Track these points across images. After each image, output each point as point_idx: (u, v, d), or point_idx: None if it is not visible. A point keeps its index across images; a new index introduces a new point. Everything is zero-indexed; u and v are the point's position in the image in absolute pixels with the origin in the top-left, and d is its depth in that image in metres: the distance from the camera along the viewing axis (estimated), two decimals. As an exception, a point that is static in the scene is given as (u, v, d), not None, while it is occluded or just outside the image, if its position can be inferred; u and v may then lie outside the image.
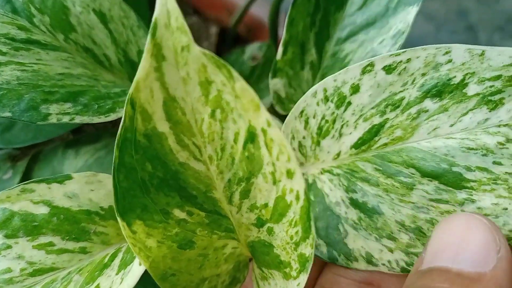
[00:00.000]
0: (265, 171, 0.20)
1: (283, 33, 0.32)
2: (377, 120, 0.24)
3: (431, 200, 0.23)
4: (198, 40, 0.51)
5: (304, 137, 0.26)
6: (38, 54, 0.28)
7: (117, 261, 0.23)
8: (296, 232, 0.20)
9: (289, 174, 0.19)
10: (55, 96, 0.27)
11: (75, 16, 0.30)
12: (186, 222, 0.22)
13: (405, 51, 0.24)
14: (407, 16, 0.30)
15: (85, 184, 0.25)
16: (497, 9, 0.53)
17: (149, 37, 0.18)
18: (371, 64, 0.25)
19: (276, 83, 0.32)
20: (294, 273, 0.21)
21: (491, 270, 0.19)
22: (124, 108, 0.19)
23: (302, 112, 0.26)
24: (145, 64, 0.18)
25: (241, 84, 0.18)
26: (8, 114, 0.25)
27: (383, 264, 0.24)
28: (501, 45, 0.28)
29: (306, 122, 0.26)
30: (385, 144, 0.24)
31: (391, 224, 0.24)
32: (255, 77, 0.41)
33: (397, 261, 0.24)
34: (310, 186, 0.26)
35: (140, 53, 0.31)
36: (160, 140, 0.20)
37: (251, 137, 0.19)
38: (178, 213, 0.21)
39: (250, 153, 0.20)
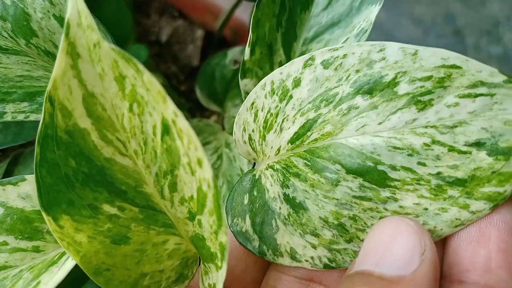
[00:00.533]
0: (184, 162, 0.20)
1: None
2: (311, 115, 0.24)
3: (355, 197, 0.23)
4: (183, 43, 0.51)
5: (253, 130, 0.26)
6: (-1, 58, 0.29)
7: (64, 258, 0.24)
8: (214, 221, 0.20)
9: (199, 163, 0.19)
10: (11, 96, 0.28)
11: (37, 22, 0.30)
12: (118, 218, 0.22)
13: (343, 46, 0.24)
14: (370, 14, 0.30)
15: None
16: (484, 13, 0.52)
17: (63, 36, 0.19)
18: (312, 58, 0.25)
19: (246, 83, 0.32)
20: (219, 263, 0.21)
21: (411, 273, 0.20)
22: (43, 105, 0.19)
23: (252, 104, 0.26)
24: (60, 62, 0.19)
25: (147, 76, 0.19)
26: None
27: (306, 260, 0.24)
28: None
29: (256, 115, 0.26)
30: (316, 140, 0.24)
31: (315, 220, 0.24)
32: (237, 80, 0.41)
33: (320, 258, 0.24)
34: (255, 182, 0.26)
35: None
36: (82, 136, 0.20)
37: (166, 129, 0.20)
38: (108, 209, 0.22)
39: (168, 145, 0.20)
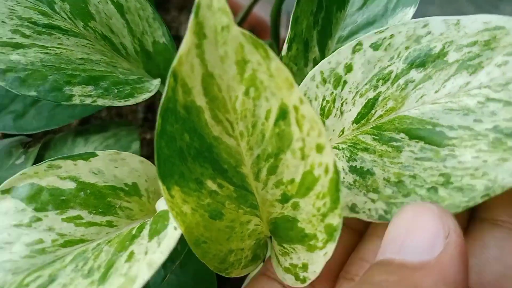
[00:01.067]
0: (294, 147, 0.21)
1: (288, 31, 0.33)
2: (371, 94, 0.26)
3: (417, 159, 0.25)
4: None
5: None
6: (59, 39, 0.29)
7: (145, 232, 0.24)
8: (324, 204, 0.21)
9: (319, 148, 0.20)
10: (77, 79, 0.28)
11: (94, 5, 0.31)
12: (216, 194, 0.23)
13: (387, 27, 0.26)
14: (405, 16, 0.31)
15: (109, 162, 0.26)
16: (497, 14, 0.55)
17: (192, 16, 0.19)
18: (360, 43, 0.26)
19: None
20: (320, 244, 0.22)
21: (436, 257, 0.19)
22: (167, 79, 0.20)
23: (304, 95, 0.28)
24: (187, 40, 0.20)
25: (276, 63, 0.20)
26: (33, 93, 0.26)
27: (364, 212, 0.25)
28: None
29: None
30: (381, 116, 0.26)
31: (379, 181, 0.25)
32: None
33: (377, 210, 0.25)
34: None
35: (155, 43, 0.33)
36: (197, 113, 0.21)
37: (283, 114, 0.21)
38: (211, 184, 0.23)
39: (281, 130, 0.21)
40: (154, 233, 0.23)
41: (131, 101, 0.29)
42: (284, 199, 0.23)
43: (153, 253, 0.21)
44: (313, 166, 0.21)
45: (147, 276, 0.21)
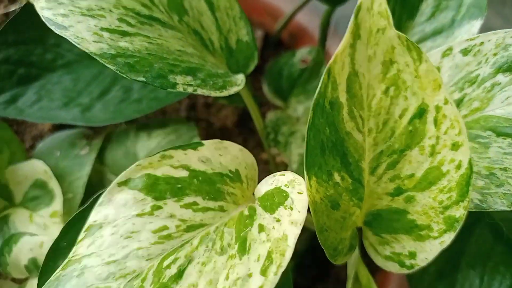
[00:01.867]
0: (424, 144, 0.23)
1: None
2: (456, 95, 0.28)
3: (505, 153, 0.27)
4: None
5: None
6: (159, 30, 0.30)
7: (259, 210, 0.25)
8: (449, 197, 0.23)
9: (455, 146, 0.22)
10: (178, 69, 0.29)
11: (188, 1, 0.32)
12: (338, 186, 0.25)
13: (478, 36, 0.28)
14: (472, 28, 0.34)
15: (214, 150, 0.27)
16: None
17: (352, 17, 0.21)
18: (450, 49, 0.29)
19: None
20: (434, 234, 0.24)
21: None
22: (322, 76, 0.22)
23: None
24: (344, 40, 0.21)
25: (426, 65, 0.21)
26: (142, 79, 0.27)
27: None
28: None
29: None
30: (465, 116, 0.28)
31: None
32: (304, 78, 0.44)
33: (472, 200, 0.27)
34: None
35: (238, 41, 0.34)
36: (339, 108, 0.23)
37: (420, 113, 0.22)
38: (336, 177, 0.24)
39: (414, 128, 0.23)
40: (269, 210, 0.24)
41: (224, 93, 0.30)
42: (397, 192, 0.25)
43: (289, 216, 0.23)
44: (441, 162, 0.23)
45: (297, 232, 0.22)
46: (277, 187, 0.26)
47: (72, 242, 0.28)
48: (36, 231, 0.37)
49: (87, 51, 0.26)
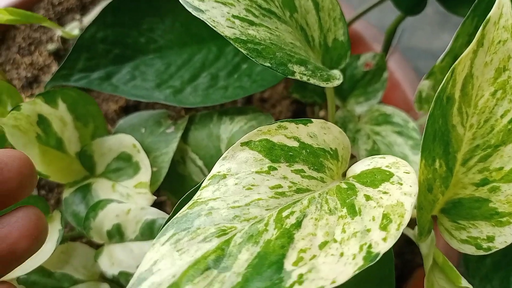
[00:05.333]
0: (521, 141, 0.26)
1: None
2: None
3: None
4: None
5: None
6: (276, 23, 0.33)
7: (358, 185, 0.28)
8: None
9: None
10: (293, 59, 0.32)
11: (298, 0, 0.35)
12: (435, 172, 0.28)
13: None
14: None
15: (320, 128, 0.31)
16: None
17: (481, 27, 0.24)
18: None
19: (425, 84, 0.39)
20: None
21: None
22: (447, 74, 0.25)
23: None
24: (470, 46, 0.25)
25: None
26: (268, 64, 0.31)
27: None
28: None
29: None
30: None
31: None
32: (366, 81, 0.47)
33: None
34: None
35: (334, 40, 0.37)
36: (452, 103, 0.26)
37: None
38: (436, 163, 0.28)
39: (512, 127, 0.26)
40: (377, 182, 0.27)
41: (329, 84, 0.34)
42: (483, 183, 0.28)
43: (399, 189, 0.26)
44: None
45: (412, 201, 0.25)
46: (377, 168, 0.29)
47: None
48: (120, 199, 0.38)
49: (222, 34, 0.29)
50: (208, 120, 0.41)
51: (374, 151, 0.42)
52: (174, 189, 0.41)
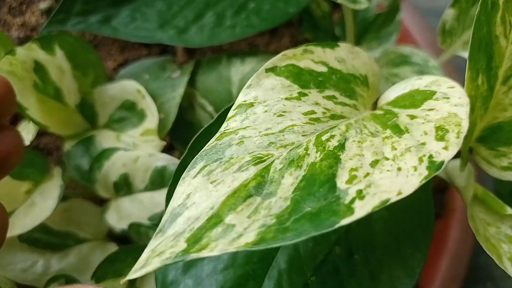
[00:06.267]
0: None
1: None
2: None
3: None
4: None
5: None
6: None
7: (395, 109, 0.26)
8: None
9: None
10: None
11: None
12: (478, 89, 0.26)
13: None
14: None
15: (348, 53, 0.29)
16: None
17: None
18: None
19: (449, 13, 0.36)
20: None
21: None
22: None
23: None
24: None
25: None
26: None
27: None
28: None
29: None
30: None
31: None
32: (377, 24, 0.45)
33: None
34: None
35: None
36: (496, 10, 0.24)
37: None
38: (479, 79, 0.26)
39: None
40: (418, 102, 0.25)
41: (356, 6, 0.32)
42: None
43: (447, 103, 0.24)
44: None
45: (466, 110, 0.23)
46: (415, 89, 0.27)
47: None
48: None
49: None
50: (216, 63, 0.38)
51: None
52: (182, 137, 0.38)
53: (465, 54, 0.37)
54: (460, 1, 0.36)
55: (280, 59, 0.27)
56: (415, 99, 0.26)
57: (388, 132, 0.24)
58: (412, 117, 0.24)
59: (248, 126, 0.24)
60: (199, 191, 0.22)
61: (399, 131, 0.24)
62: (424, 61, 0.40)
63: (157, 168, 0.34)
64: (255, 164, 0.23)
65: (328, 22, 0.43)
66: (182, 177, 0.23)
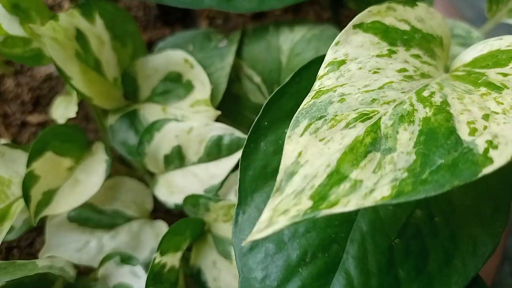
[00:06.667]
0: None
1: None
2: None
3: None
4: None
5: None
6: None
7: (476, 70, 0.26)
8: None
9: None
10: None
11: None
12: None
13: None
14: None
15: (426, 13, 0.28)
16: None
17: None
18: None
19: None
20: None
21: None
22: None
23: None
24: None
25: None
26: None
27: None
28: None
29: None
30: None
31: None
32: None
33: None
34: None
35: None
36: None
37: None
38: None
39: None
40: (503, 61, 0.25)
41: None
42: None
43: None
44: None
45: None
46: (495, 50, 0.26)
47: (274, 121, 0.28)
48: (175, 121, 0.34)
49: None
50: (264, 32, 0.37)
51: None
52: (227, 111, 0.37)
53: (511, 21, 0.38)
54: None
55: (366, 15, 0.26)
56: (500, 58, 0.25)
57: (484, 89, 0.23)
58: (505, 74, 0.24)
59: (345, 84, 0.23)
60: (310, 149, 0.21)
61: (496, 87, 0.23)
62: (467, 33, 0.40)
63: (213, 138, 0.32)
64: (363, 121, 0.22)
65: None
66: (287, 135, 0.22)
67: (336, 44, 0.25)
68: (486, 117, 0.21)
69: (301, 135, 0.22)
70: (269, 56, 0.36)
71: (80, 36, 0.33)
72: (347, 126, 0.22)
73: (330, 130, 0.22)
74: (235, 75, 0.37)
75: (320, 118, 0.22)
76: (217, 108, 0.35)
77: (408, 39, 0.26)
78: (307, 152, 0.21)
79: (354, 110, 0.22)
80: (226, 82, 0.35)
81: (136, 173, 0.38)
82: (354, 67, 0.24)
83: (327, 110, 0.22)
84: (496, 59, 0.26)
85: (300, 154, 0.21)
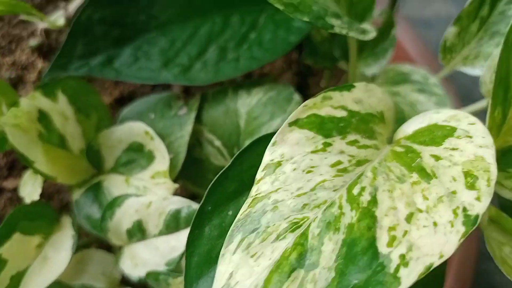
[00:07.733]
0: None
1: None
2: None
3: None
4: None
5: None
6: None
7: (415, 146, 0.25)
8: None
9: None
10: (328, 13, 0.30)
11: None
12: (494, 120, 0.25)
13: None
14: None
15: (364, 92, 0.28)
16: None
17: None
18: None
19: (450, 31, 0.35)
20: None
21: None
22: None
23: None
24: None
25: None
26: (306, 18, 0.28)
27: None
28: None
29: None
30: None
31: None
32: (373, 40, 0.43)
33: None
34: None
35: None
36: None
37: None
38: (496, 112, 0.25)
39: None
40: (438, 139, 0.25)
41: (365, 37, 0.31)
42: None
43: (470, 142, 0.23)
44: None
45: (492, 153, 0.22)
46: (433, 124, 0.26)
47: (217, 205, 0.28)
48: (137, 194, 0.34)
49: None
50: (222, 96, 0.37)
51: (397, 113, 0.39)
52: (190, 174, 0.37)
53: (464, 69, 0.37)
54: (461, 19, 0.35)
55: (301, 111, 0.26)
56: (435, 135, 0.25)
57: (415, 176, 0.23)
58: (437, 158, 0.24)
59: (279, 188, 0.23)
60: (241, 268, 0.21)
61: (426, 175, 0.23)
62: (424, 79, 0.39)
63: (171, 211, 0.32)
64: (293, 231, 0.22)
65: (327, 46, 0.42)
66: (221, 254, 0.22)
67: (273, 144, 0.25)
68: (409, 217, 0.21)
69: (234, 252, 0.22)
70: (228, 121, 0.36)
71: (42, 117, 0.33)
72: (277, 238, 0.22)
73: (262, 244, 0.22)
74: (196, 140, 0.37)
75: (253, 231, 0.22)
76: (180, 172, 0.35)
77: (344, 125, 0.26)
78: (238, 272, 0.21)
79: (285, 219, 0.22)
80: (185, 151, 0.35)
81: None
82: (289, 168, 0.24)
83: (260, 221, 0.22)
84: (432, 135, 0.26)
85: (231, 275, 0.21)
